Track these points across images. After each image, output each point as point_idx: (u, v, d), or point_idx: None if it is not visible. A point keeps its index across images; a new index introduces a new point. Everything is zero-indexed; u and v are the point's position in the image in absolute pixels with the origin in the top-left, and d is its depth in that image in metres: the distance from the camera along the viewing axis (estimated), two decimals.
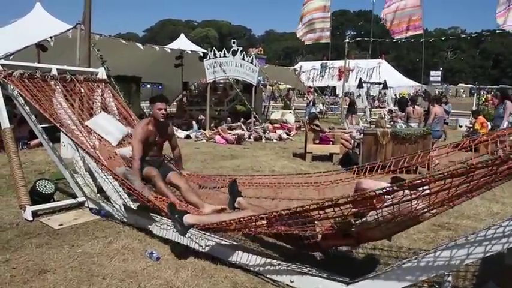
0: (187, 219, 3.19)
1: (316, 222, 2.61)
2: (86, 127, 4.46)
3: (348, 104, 17.40)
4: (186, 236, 3.39)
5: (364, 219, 2.55)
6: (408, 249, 3.57)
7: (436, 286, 2.66)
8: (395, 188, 2.14)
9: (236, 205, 3.53)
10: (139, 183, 3.83)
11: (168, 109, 4.19)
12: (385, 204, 2.29)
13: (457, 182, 2.04)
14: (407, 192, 2.15)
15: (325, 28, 19.73)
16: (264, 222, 2.77)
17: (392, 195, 2.22)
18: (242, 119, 13.21)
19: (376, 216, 2.39)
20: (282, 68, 19.15)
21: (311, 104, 18.27)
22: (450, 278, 2.41)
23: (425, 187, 2.11)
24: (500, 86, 38.95)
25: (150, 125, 4.08)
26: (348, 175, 3.37)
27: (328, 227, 2.67)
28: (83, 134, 4.33)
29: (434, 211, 2.37)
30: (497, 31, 15.84)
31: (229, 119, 12.75)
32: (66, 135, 4.34)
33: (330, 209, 2.36)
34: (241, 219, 2.87)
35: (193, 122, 12.56)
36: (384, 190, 2.18)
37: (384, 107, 19.54)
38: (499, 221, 2.08)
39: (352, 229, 2.65)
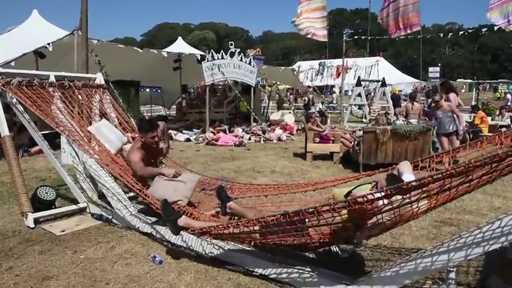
0: (181, 222, 3.19)
1: (314, 228, 2.57)
2: (86, 133, 4.46)
3: (304, 103, 17.39)
4: (189, 238, 3.40)
5: (365, 226, 2.54)
6: (410, 246, 3.56)
7: (440, 282, 2.65)
8: (391, 191, 2.10)
9: (228, 210, 3.52)
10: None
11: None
12: (385, 209, 2.25)
13: (457, 182, 2.02)
14: (406, 195, 2.12)
15: (322, 27, 19.75)
16: (261, 226, 2.72)
17: (389, 200, 2.18)
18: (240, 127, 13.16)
19: (377, 222, 2.38)
20: (280, 68, 19.12)
21: (310, 103, 18.28)
22: (453, 274, 2.41)
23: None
24: (499, 80, 38.99)
25: (142, 149, 4.12)
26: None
27: (328, 234, 2.63)
28: (84, 139, 4.34)
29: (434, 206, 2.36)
30: (495, 27, 15.78)
31: (226, 127, 12.67)
32: (67, 139, 4.35)
33: (329, 214, 2.30)
34: (239, 223, 2.85)
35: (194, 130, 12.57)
36: (380, 194, 2.15)
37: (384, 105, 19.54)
38: (501, 215, 2.07)
39: (353, 236, 2.64)
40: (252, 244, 3.01)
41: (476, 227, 2.11)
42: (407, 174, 2.68)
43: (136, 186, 3.81)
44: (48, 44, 9.09)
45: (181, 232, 3.27)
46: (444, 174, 1.95)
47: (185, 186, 3.88)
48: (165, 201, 3.42)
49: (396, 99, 18.39)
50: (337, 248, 3.32)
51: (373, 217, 2.37)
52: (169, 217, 3.23)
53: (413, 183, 2.05)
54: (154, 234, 3.76)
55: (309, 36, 20.16)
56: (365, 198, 2.16)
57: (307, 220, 2.47)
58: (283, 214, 2.51)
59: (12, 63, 8.42)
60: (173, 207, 3.42)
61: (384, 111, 14.80)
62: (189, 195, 3.91)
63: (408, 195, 2.12)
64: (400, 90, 27.13)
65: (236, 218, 3.48)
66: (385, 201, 2.18)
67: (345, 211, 2.31)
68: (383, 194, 2.14)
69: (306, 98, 19.44)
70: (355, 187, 3.07)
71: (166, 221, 3.27)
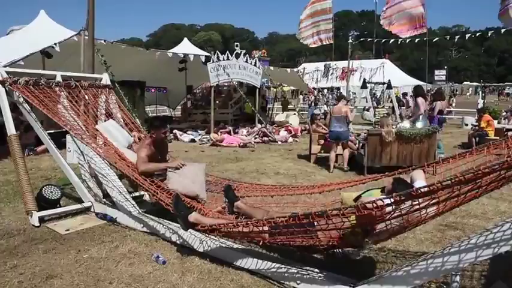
0: (192, 218, 3.20)
1: (322, 231, 2.56)
2: (93, 131, 4.48)
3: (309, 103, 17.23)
4: (193, 238, 3.40)
5: (373, 232, 2.53)
6: (415, 250, 3.54)
7: (444, 286, 2.64)
8: (401, 197, 2.09)
9: (235, 209, 3.53)
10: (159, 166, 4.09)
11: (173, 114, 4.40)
12: (394, 215, 2.24)
13: (466, 189, 2.01)
14: (415, 201, 2.11)
15: (327, 30, 19.72)
16: (270, 227, 2.73)
17: (398, 206, 2.17)
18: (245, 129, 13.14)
19: (385, 228, 2.37)
20: (285, 69, 19.08)
21: (313, 104, 18.24)
22: (458, 278, 2.38)
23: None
24: (506, 83, 38.71)
25: (152, 146, 4.14)
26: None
27: (336, 237, 2.62)
28: (90, 137, 4.36)
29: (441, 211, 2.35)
30: (502, 29, 15.65)
31: (230, 128, 12.68)
32: (73, 137, 4.38)
33: (338, 218, 2.30)
34: (249, 221, 2.86)
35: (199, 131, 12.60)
36: (389, 201, 2.13)
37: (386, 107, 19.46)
38: (507, 220, 2.05)
39: (362, 241, 2.63)
40: (260, 244, 3.00)
41: (486, 229, 2.09)
42: (420, 181, 2.68)
43: (145, 184, 3.82)
44: (55, 44, 9.16)
45: (190, 229, 3.27)
46: (453, 181, 1.94)
47: (199, 177, 4.00)
48: (177, 196, 3.43)
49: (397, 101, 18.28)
50: (345, 251, 3.31)
51: (382, 223, 2.36)
52: (180, 212, 3.23)
53: (422, 190, 2.05)
54: (158, 234, 3.78)
55: (313, 45, 20.15)
56: (374, 204, 2.15)
57: (316, 223, 2.46)
58: (292, 216, 2.51)
59: (21, 63, 8.48)
60: (184, 203, 3.43)
61: (387, 113, 14.74)
62: (204, 186, 4.06)
63: (417, 201, 2.11)
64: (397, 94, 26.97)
65: (243, 217, 3.49)
66: (394, 207, 2.17)
67: (353, 216, 2.31)
68: (392, 200, 2.13)
69: (313, 97, 19.40)
70: (364, 191, 3.06)
71: (177, 216, 3.28)
